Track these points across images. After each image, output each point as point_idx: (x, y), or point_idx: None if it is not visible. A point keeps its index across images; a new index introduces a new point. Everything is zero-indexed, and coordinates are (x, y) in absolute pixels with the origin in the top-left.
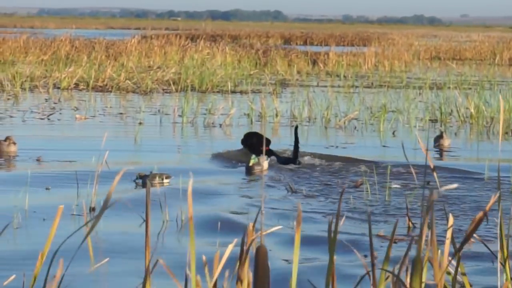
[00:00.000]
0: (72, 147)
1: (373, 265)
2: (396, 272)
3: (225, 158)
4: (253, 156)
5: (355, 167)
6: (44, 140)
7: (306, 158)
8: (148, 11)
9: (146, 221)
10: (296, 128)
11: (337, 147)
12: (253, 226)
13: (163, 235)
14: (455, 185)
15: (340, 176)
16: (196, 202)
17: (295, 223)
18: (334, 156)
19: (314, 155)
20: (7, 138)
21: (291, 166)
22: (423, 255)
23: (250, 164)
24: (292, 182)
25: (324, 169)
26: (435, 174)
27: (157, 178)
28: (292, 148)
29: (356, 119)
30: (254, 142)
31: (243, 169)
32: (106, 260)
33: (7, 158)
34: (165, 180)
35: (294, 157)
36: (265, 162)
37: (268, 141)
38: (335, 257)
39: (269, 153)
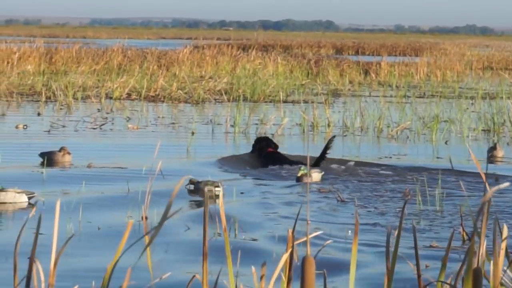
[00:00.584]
0: (125, 156)
1: (418, 276)
2: (452, 283)
3: (233, 162)
4: (303, 167)
5: (403, 176)
6: (97, 150)
7: (333, 165)
8: (199, 21)
9: (204, 229)
10: (333, 137)
11: (390, 157)
12: (292, 233)
13: (214, 241)
14: (507, 184)
15: (388, 184)
16: (238, 211)
17: (350, 233)
18: (382, 165)
19: (359, 163)
20: (61, 149)
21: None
22: (479, 266)
23: (299, 174)
24: (340, 191)
25: (373, 178)
26: (486, 182)
27: (208, 185)
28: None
29: (408, 129)
30: (263, 145)
31: (290, 181)
32: (168, 274)
33: (61, 168)
34: (216, 188)
35: (317, 161)
36: (314, 174)
37: (276, 146)
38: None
39: (275, 155)
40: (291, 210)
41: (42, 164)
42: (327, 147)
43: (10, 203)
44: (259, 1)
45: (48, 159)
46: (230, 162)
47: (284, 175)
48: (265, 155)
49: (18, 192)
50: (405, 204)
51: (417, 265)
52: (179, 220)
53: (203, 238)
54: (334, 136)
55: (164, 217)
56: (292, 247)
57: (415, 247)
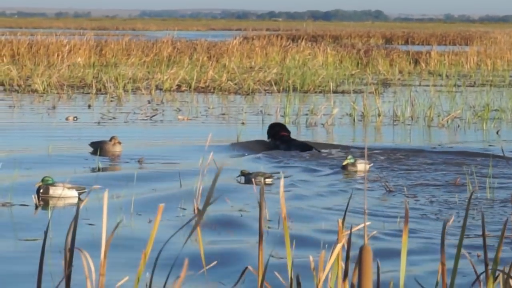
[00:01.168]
0: (175, 147)
1: (486, 265)
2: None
3: (244, 148)
4: (350, 156)
5: (452, 164)
6: (148, 141)
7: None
8: (248, 12)
9: (260, 219)
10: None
11: (441, 146)
12: (342, 223)
13: (267, 233)
14: None
15: (439, 173)
16: (286, 201)
17: (399, 222)
18: (431, 152)
19: (408, 150)
20: (112, 138)
21: (310, 152)
22: None
23: (344, 163)
24: (388, 181)
25: (422, 166)
26: None
27: (259, 176)
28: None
29: (459, 118)
30: (277, 130)
31: (336, 169)
32: (214, 263)
33: (112, 157)
34: (267, 180)
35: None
36: (361, 165)
37: (288, 131)
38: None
39: (287, 139)
40: (337, 199)
41: (92, 153)
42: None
43: (60, 197)
44: None
45: (99, 148)
46: (250, 147)
47: (325, 161)
48: (280, 139)
49: (68, 187)
50: (471, 195)
51: (485, 254)
52: (231, 210)
53: (259, 227)
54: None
55: (207, 203)
56: (350, 236)
57: (483, 236)
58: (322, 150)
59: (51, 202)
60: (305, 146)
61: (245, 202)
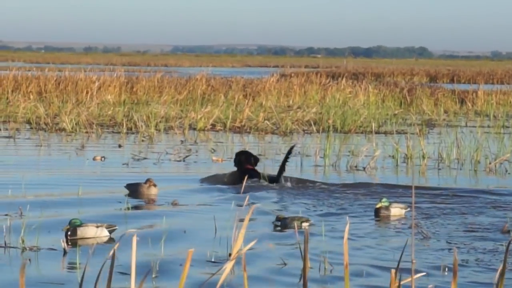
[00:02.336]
0: (210, 190)
1: None
2: None
3: (214, 182)
4: (384, 199)
5: (497, 207)
6: (181, 183)
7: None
8: (286, 48)
9: (304, 266)
10: (292, 147)
11: (489, 192)
12: (395, 274)
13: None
14: None
15: (481, 216)
16: (325, 244)
17: (447, 271)
18: (474, 194)
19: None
20: (147, 180)
21: (274, 185)
22: None
23: (377, 206)
24: (424, 227)
25: (463, 209)
26: None
27: (296, 220)
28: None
29: (507, 161)
30: (242, 160)
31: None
32: None
33: (146, 200)
34: (304, 224)
35: (277, 176)
36: (396, 209)
37: (256, 160)
38: None
39: (252, 172)
40: (370, 246)
41: (128, 195)
42: (286, 158)
43: (91, 238)
44: (349, 27)
45: (134, 191)
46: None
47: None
48: (243, 171)
49: (98, 226)
50: (509, 243)
51: None
52: (273, 255)
53: (303, 275)
54: (293, 146)
55: (236, 252)
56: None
57: None
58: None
59: (81, 244)
60: (270, 179)
61: (280, 247)
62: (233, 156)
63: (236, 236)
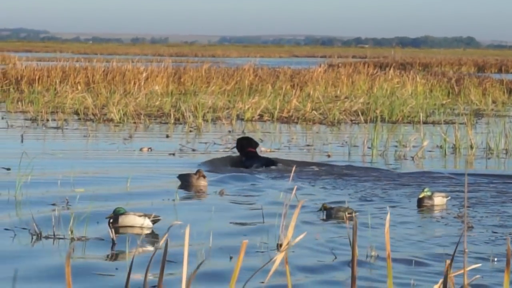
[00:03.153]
0: (257, 180)
1: None
2: None
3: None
4: (427, 188)
5: None
6: (229, 173)
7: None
8: (334, 38)
9: (353, 255)
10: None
11: None
12: (450, 265)
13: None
14: None
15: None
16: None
17: (496, 261)
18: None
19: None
20: (197, 172)
21: (273, 167)
22: None
23: (421, 196)
24: (468, 218)
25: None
26: None
27: (341, 211)
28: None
29: None
30: (244, 144)
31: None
32: None
33: (195, 191)
34: (349, 215)
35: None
36: (438, 198)
37: (256, 144)
38: None
39: (252, 155)
40: (416, 232)
41: (176, 186)
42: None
43: (132, 226)
44: (396, 17)
45: (184, 181)
46: (217, 164)
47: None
48: (246, 154)
49: (140, 216)
50: None
51: None
52: (319, 245)
53: (351, 266)
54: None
55: (287, 242)
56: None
57: None
58: (289, 167)
59: (129, 234)
60: (268, 162)
61: (328, 237)
62: (280, 146)
63: (284, 227)
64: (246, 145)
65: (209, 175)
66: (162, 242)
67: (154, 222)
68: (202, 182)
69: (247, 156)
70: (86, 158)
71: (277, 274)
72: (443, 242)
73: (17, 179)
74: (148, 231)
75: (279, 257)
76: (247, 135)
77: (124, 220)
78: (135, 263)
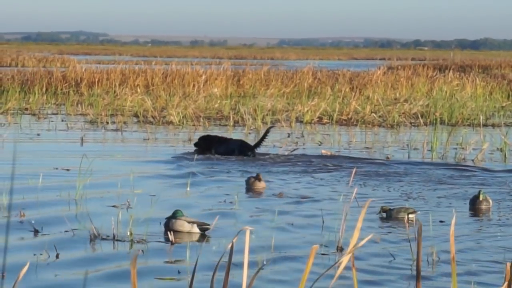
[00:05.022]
0: (317, 182)
1: None
2: None
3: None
4: (483, 191)
5: None
6: (288, 175)
7: None
8: (393, 41)
9: (418, 256)
10: (270, 127)
11: None
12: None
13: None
14: None
15: None
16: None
17: None
18: None
19: None
20: (257, 175)
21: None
22: None
23: (481, 198)
24: None
25: None
26: None
27: (402, 212)
28: None
29: None
30: (200, 143)
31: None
32: None
33: (254, 193)
34: (410, 215)
35: (254, 145)
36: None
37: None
38: None
39: (212, 136)
40: (475, 233)
41: (237, 189)
42: (264, 135)
43: (179, 231)
44: (456, 19)
45: (245, 184)
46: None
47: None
48: (206, 139)
49: (189, 222)
50: None
51: None
52: (380, 247)
53: (416, 267)
54: (272, 126)
55: (353, 245)
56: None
57: None
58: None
59: (190, 238)
60: (243, 147)
61: (389, 238)
62: (340, 148)
63: (344, 229)
64: (203, 144)
65: (265, 177)
66: (228, 246)
67: (202, 229)
68: (260, 185)
69: (212, 141)
70: (145, 160)
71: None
72: (505, 244)
73: (77, 181)
74: (195, 237)
75: (344, 260)
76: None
77: (174, 224)
78: (191, 264)
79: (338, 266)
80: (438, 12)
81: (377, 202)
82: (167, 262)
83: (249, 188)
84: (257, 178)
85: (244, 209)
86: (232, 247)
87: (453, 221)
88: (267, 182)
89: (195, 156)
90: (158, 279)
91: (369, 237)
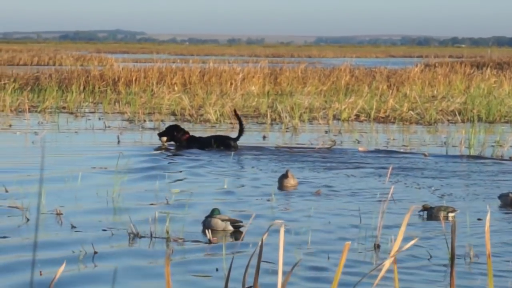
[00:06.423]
0: (354, 180)
1: None
2: None
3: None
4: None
5: None
6: (325, 173)
7: None
8: (430, 38)
9: (452, 256)
10: (235, 111)
11: None
12: None
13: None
14: None
15: None
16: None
17: None
18: None
19: None
20: (286, 172)
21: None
22: None
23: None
24: None
25: None
26: None
27: (442, 211)
28: None
29: None
30: (170, 132)
31: None
32: None
33: (291, 191)
34: (450, 214)
35: (236, 137)
36: None
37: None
38: None
39: (195, 138)
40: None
41: (273, 187)
42: (240, 122)
43: (215, 229)
44: (493, 16)
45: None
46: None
47: None
48: (188, 140)
49: (223, 220)
50: None
51: None
52: (417, 249)
53: (450, 266)
54: (235, 110)
55: (397, 248)
56: None
57: None
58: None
59: (214, 235)
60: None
61: (427, 236)
62: (377, 145)
63: (381, 226)
64: (181, 134)
65: (297, 174)
66: (259, 243)
67: (235, 227)
68: (292, 182)
69: (193, 142)
70: (183, 158)
71: (372, 276)
72: None
73: (114, 179)
74: (228, 234)
75: (387, 263)
76: (173, 124)
77: (210, 223)
78: (228, 262)
79: (380, 269)
80: (476, 9)
81: (414, 200)
82: (203, 259)
83: (281, 185)
84: (287, 175)
85: (281, 206)
86: (261, 243)
87: (487, 218)
88: (304, 179)
89: (232, 155)
90: (194, 276)
91: (413, 242)
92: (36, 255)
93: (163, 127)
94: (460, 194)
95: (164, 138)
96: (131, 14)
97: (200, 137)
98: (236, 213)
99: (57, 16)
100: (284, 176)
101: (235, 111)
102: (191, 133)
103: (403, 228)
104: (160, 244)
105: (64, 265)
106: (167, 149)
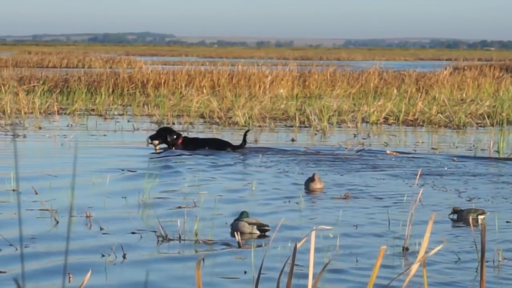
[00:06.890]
0: (382, 183)
1: None
2: None
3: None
4: None
5: None
6: (353, 176)
7: None
8: (459, 41)
9: (482, 260)
10: (247, 130)
11: None
12: None
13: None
14: None
15: None
16: (500, 236)
17: None
18: None
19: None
20: (313, 176)
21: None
22: None
23: None
24: None
25: None
26: None
27: (472, 213)
28: None
29: None
30: (162, 135)
31: None
32: None
33: (313, 194)
34: (480, 216)
35: (241, 144)
36: None
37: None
38: None
39: (193, 140)
40: None
41: (301, 190)
42: (244, 139)
43: (242, 232)
44: None
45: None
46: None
47: None
48: (186, 143)
49: (250, 223)
50: None
51: None
52: (446, 252)
53: (480, 268)
54: (248, 130)
55: (423, 253)
56: None
57: None
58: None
59: (243, 238)
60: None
61: (457, 239)
62: (406, 149)
63: (409, 230)
64: (175, 137)
65: (325, 177)
66: (296, 246)
67: (261, 230)
68: (318, 185)
69: (193, 143)
70: (211, 161)
71: (400, 279)
72: None
73: (144, 182)
74: (254, 237)
75: (414, 268)
76: (164, 127)
77: (237, 226)
78: (257, 265)
79: (408, 273)
80: (505, 12)
81: (443, 203)
82: (232, 263)
83: (307, 188)
84: (314, 178)
85: (309, 209)
86: (295, 247)
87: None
88: (332, 182)
89: (260, 157)
90: (223, 278)
91: (439, 247)
92: (67, 259)
93: (154, 131)
94: (488, 197)
95: (156, 142)
96: (160, 16)
97: (195, 138)
98: (264, 215)
99: (86, 18)
100: (311, 179)
101: (247, 131)
102: (212, 136)
103: (427, 234)
104: (189, 246)
105: (89, 274)
106: (192, 151)
